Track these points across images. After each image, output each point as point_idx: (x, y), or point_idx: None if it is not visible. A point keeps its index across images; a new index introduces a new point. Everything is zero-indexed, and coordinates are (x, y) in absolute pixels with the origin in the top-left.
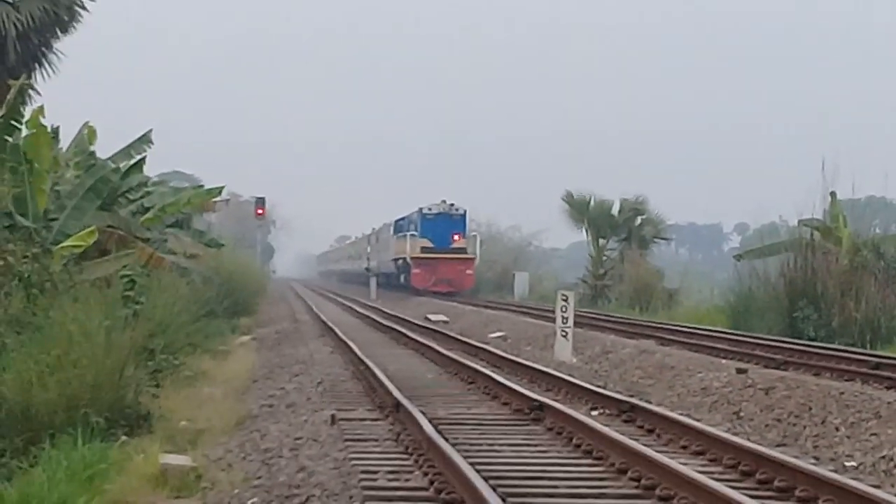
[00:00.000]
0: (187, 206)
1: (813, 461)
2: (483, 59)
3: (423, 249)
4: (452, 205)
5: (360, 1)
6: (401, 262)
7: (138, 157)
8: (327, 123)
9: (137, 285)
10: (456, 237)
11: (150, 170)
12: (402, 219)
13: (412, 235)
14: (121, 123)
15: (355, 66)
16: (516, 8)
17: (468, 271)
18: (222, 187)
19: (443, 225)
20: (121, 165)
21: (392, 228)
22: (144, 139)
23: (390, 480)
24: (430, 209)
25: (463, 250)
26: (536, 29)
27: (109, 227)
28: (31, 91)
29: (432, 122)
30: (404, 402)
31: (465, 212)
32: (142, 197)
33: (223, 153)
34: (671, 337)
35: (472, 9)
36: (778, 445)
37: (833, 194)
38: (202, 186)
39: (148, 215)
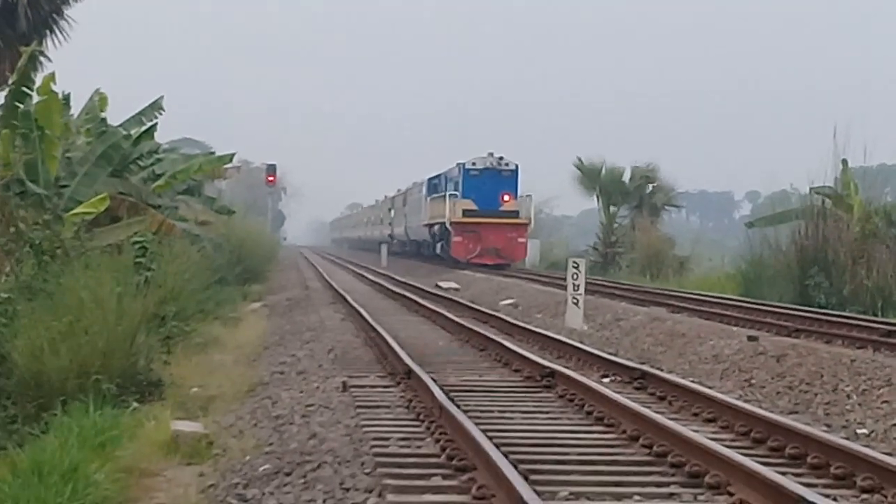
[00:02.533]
0: (198, 173)
1: (825, 428)
2: (493, 24)
3: (466, 213)
4: (501, 158)
5: None
6: (437, 228)
7: (149, 123)
8: (339, 91)
9: (149, 252)
10: (506, 198)
11: (162, 137)
12: (437, 177)
13: (452, 196)
14: (132, 91)
15: (368, 34)
16: None
17: (520, 239)
18: (233, 154)
19: (490, 183)
20: (132, 132)
21: (424, 188)
22: (155, 106)
23: (402, 447)
24: (473, 164)
25: (514, 213)
26: None
27: (121, 193)
28: (42, 58)
29: (442, 90)
30: (416, 368)
31: (516, 167)
32: (153, 164)
33: (234, 120)
34: (682, 304)
35: None
36: (790, 413)
37: (845, 161)
38: (213, 153)
39: (159, 182)
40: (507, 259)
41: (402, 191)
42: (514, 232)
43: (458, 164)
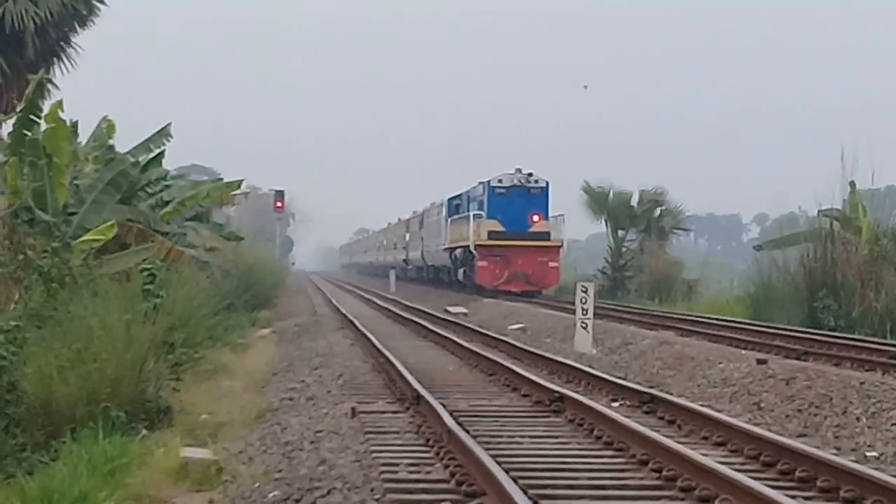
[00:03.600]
0: (206, 200)
1: (834, 451)
2: (498, 51)
3: (492, 235)
4: (530, 175)
5: None
6: (459, 252)
7: (157, 150)
8: (348, 117)
9: (157, 279)
10: (535, 218)
11: (169, 163)
12: (458, 196)
13: (476, 216)
14: (139, 118)
15: (376, 61)
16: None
17: (552, 263)
18: (241, 180)
19: (518, 202)
20: (140, 159)
21: (444, 209)
22: (163, 133)
23: (411, 473)
24: (499, 181)
25: (545, 235)
26: (552, 18)
27: (129, 220)
28: (49, 85)
29: (448, 116)
30: (424, 394)
31: (546, 184)
32: (161, 190)
33: (242, 147)
34: (691, 328)
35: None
36: (799, 436)
37: (852, 184)
38: (221, 179)
39: (167, 209)
40: (537, 285)
41: (419, 213)
42: (545, 256)
43: (481, 183)
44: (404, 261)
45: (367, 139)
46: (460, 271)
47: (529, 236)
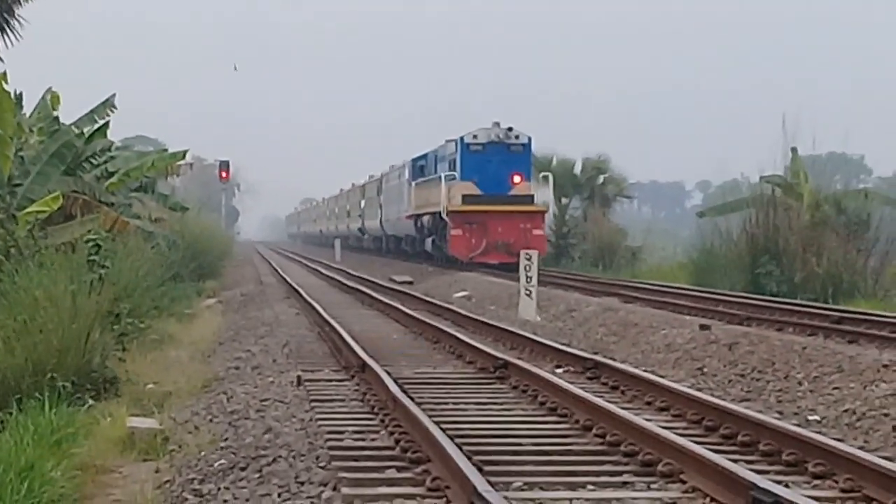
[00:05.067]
0: (151, 170)
1: (776, 415)
2: (442, 20)
3: (467, 199)
4: (510, 129)
5: None
6: (427, 219)
7: (102, 121)
8: (292, 89)
9: (102, 250)
10: (517, 179)
11: (114, 134)
12: (423, 157)
13: (448, 178)
14: (84, 90)
15: (320, 30)
16: None
17: (536, 231)
18: (186, 151)
19: (496, 160)
20: (84, 130)
21: (407, 171)
22: (108, 104)
23: (356, 440)
24: (475, 137)
25: (528, 199)
26: None
27: (74, 191)
28: None
29: (394, 83)
30: (370, 362)
31: (529, 140)
32: (106, 161)
33: (187, 117)
34: (635, 294)
35: None
36: (742, 400)
37: (794, 150)
38: (166, 150)
39: (112, 180)
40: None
41: (376, 177)
42: (528, 222)
43: (451, 140)
44: (360, 230)
45: (311, 111)
46: (428, 241)
47: (510, 200)
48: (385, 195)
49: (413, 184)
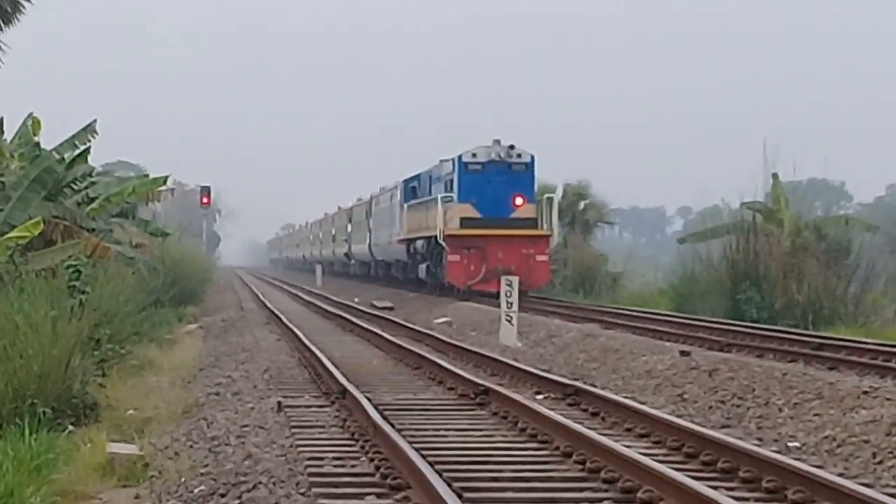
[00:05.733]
0: (132, 196)
1: (756, 442)
2: (425, 43)
3: (466, 222)
4: (512, 147)
5: None
6: (420, 244)
7: (83, 147)
8: (272, 116)
9: (83, 275)
10: (519, 201)
11: (95, 160)
12: (415, 178)
13: (445, 200)
14: (65, 116)
15: (299, 63)
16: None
17: (540, 257)
18: (167, 176)
19: (497, 181)
20: (65, 156)
21: (399, 193)
22: (89, 129)
23: (336, 467)
24: (473, 156)
25: (531, 222)
26: (460, 24)
27: (55, 217)
28: None
29: (372, 113)
30: (350, 388)
31: (532, 159)
32: (87, 187)
33: (169, 143)
34: (615, 320)
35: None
36: (722, 427)
37: (775, 176)
38: (147, 176)
39: (93, 205)
40: (523, 284)
41: (364, 200)
42: (530, 247)
43: (447, 160)
44: (346, 255)
45: (292, 138)
46: (422, 267)
47: (512, 224)
48: (374, 218)
49: (405, 206)
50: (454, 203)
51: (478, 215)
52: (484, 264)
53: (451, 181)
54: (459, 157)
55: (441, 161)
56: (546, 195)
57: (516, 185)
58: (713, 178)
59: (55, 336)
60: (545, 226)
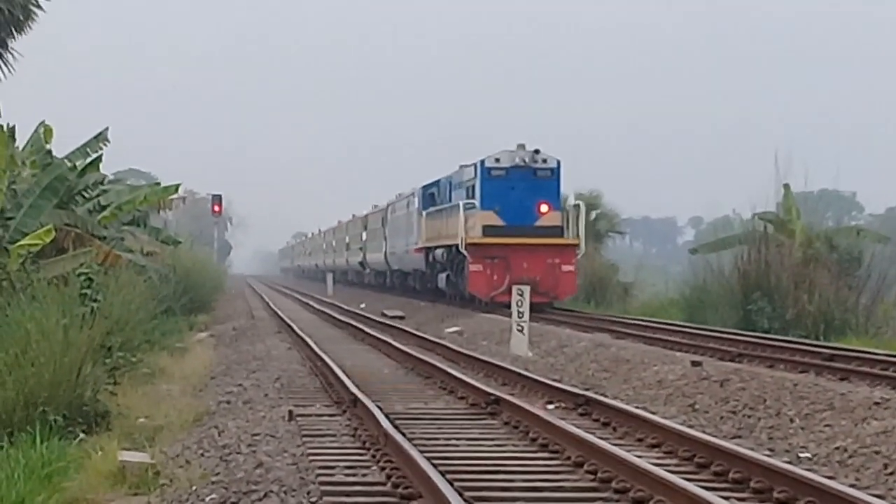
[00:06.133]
0: (144, 204)
1: (768, 453)
2: (440, 55)
3: (489, 230)
4: (537, 152)
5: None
6: (440, 253)
7: (94, 155)
8: (283, 125)
9: (94, 283)
10: (544, 208)
11: (107, 168)
12: (435, 183)
13: (467, 207)
14: (77, 125)
15: (312, 73)
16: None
17: (566, 267)
18: (179, 184)
19: (522, 187)
20: (77, 164)
21: (417, 200)
22: (101, 137)
23: (348, 476)
24: (497, 161)
25: (557, 230)
26: (465, 37)
27: (66, 225)
28: None
29: (377, 125)
30: (361, 397)
31: (558, 164)
32: (98, 195)
33: (180, 151)
34: (626, 330)
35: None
36: (733, 437)
37: (787, 186)
38: (159, 184)
39: (105, 213)
40: (547, 295)
41: (381, 207)
42: (556, 257)
43: (467, 165)
44: (360, 264)
45: (304, 148)
46: (441, 276)
47: (537, 232)
48: (390, 226)
49: (424, 213)
50: (476, 210)
51: (501, 223)
52: (508, 274)
53: (473, 187)
54: (482, 162)
55: (461, 167)
56: (574, 202)
57: (541, 192)
58: (724, 188)
59: (67, 344)
60: (572, 234)
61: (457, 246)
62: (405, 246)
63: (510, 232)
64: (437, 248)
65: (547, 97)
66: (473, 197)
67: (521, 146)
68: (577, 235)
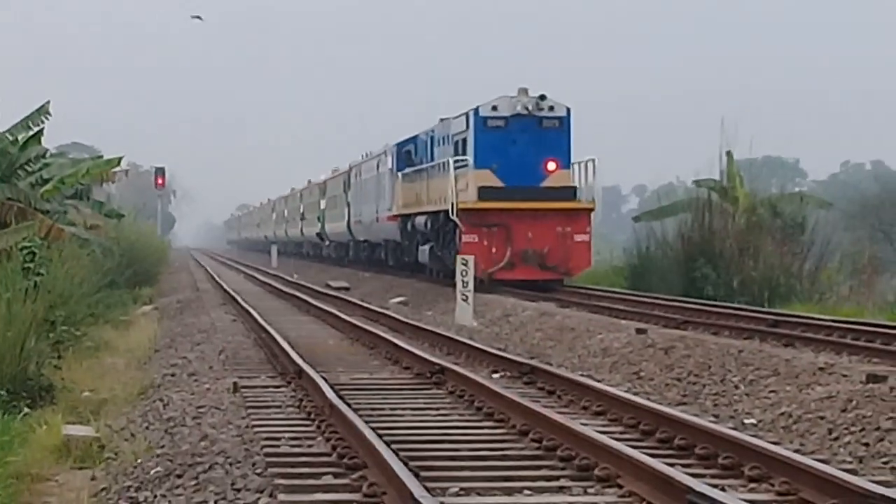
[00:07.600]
0: (86, 178)
1: (712, 419)
2: (394, 21)
3: (485, 193)
4: (542, 98)
5: None
6: (422, 221)
7: (36, 129)
8: (225, 96)
9: (37, 257)
10: (551, 165)
11: (49, 142)
12: (412, 139)
13: (458, 164)
14: (17, 98)
15: (251, 40)
16: None
17: (579, 236)
18: (121, 157)
19: (524, 140)
20: (19, 137)
21: (390, 160)
22: (42, 111)
23: (293, 447)
24: (494, 108)
25: (568, 192)
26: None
27: (8, 199)
28: None
29: (335, 87)
30: (306, 368)
31: (567, 112)
32: (40, 169)
33: (123, 124)
34: (571, 299)
35: None
36: (678, 404)
37: (729, 154)
38: (101, 157)
39: (47, 187)
40: (557, 271)
41: (341, 170)
42: (568, 224)
43: (463, 114)
44: (318, 235)
45: (246, 118)
46: (424, 249)
47: (543, 194)
48: (354, 191)
49: (399, 175)
50: (470, 169)
51: (500, 184)
52: (509, 246)
53: (465, 141)
54: (476, 111)
55: (442, 120)
56: (587, 158)
57: (548, 146)
58: (671, 158)
59: (10, 318)
60: (585, 197)
61: (445, 212)
62: (374, 213)
63: (511, 194)
64: (417, 215)
65: (493, 63)
66: (465, 153)
67: (524, 91)
68: (593, 198)
